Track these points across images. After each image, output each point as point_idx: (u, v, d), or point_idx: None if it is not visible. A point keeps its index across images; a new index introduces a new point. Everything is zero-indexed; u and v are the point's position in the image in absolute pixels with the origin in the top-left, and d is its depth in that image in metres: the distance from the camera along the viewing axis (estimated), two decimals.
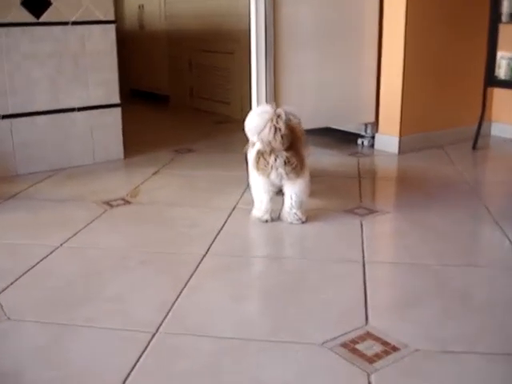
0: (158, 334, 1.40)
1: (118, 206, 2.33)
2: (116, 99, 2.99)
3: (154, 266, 1.79)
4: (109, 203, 2.35)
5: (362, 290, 1.60)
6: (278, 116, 1.94)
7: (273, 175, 2.05)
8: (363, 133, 3.32)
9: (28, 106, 2.76)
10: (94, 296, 1.59)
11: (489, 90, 3.19)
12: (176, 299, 1.55)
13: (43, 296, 1.59)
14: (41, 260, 1.81)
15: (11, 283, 1.66)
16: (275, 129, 1.93)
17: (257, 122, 1.97)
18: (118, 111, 3.00)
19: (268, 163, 2.03)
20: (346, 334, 1.38)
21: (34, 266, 1.77)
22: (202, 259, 1.81)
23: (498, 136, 3.48)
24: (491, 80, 3.13)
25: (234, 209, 2.27)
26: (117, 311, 1.51)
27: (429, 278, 1.69)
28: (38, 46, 2.73)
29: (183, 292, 1.59)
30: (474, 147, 3.22)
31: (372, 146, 3.27)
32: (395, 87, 3.09)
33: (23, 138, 2.76)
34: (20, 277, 1.70)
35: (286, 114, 1.99)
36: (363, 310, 1.49)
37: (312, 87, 3.01)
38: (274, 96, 2.87)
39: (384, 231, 2.15)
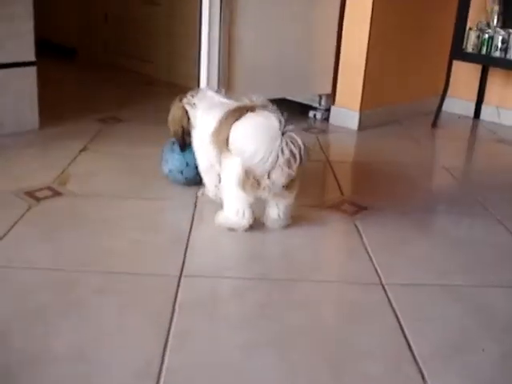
0: None
1: (45, 198, 1.80)
2: (31, 56, 2.40)
3: (116, 296, 1.32)
4: (33, 195, 1.82)
5: (399, 330, 1.24)
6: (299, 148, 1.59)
7: (264, 194, 1.60)
8: (316, 105, 2.95)
9: None
10: (40, 353, 1.11)
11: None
12: (162, 359, 1.11)
13: None
14: None
15: None
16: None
17: (264, 148, 1.51)
18: (32, 71, 2.41)
19: (259, 184, 1.56)
20: None
21: None
22: (178, 284, 1.37)
23: (450, 112, 3.20)
24: (458, 53, 2.85)
25: (195, 202, 1.83)
26: (78, 377, 1.05)
27: (469, 305, 1.37)
28: None
29: (169, 343, 1.15)
30: (434, 125, 2.96)
31: (326, 119, 2.92)
32: (358, 57, 2.73)
33: None
34: None
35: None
36: (413, 363, 1.14)
37: (267, 49, 2.60)
38: (228, 59, 2.45)
39: (387, 237, 1.72)
